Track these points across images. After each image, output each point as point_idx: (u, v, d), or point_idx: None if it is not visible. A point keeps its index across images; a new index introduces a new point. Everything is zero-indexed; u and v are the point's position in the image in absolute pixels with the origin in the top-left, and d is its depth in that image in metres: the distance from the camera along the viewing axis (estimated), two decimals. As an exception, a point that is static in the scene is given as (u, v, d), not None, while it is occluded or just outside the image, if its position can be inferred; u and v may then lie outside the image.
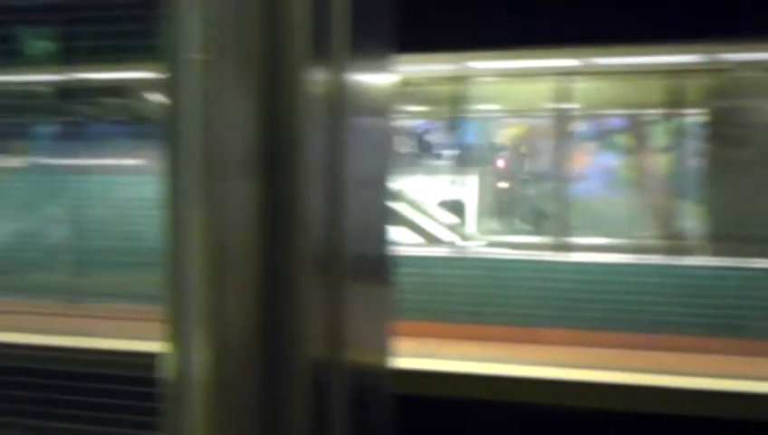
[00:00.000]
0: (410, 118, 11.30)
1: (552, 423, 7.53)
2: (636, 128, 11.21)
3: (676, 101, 9.76)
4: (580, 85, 10.04)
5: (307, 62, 1.56)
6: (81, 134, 10.67)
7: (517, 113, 11.54)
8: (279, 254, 1.55)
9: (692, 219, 10.24)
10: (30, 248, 10.28)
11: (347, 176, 1.67)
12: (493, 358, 8.20)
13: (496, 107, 11.46)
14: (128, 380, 4.27)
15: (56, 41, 9.93)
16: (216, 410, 1.53)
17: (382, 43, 1.86)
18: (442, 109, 10.88)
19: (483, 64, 10.12)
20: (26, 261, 10.24)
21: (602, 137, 11.42)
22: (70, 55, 9.46)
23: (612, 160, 11.41)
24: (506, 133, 11.81)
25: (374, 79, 1.85)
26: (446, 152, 11.29)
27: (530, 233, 10.88)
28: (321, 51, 1.60)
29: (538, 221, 11.01)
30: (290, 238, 1.56)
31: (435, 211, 10.92)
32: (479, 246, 10.37)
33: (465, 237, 10.49)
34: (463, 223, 10.71)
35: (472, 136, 11.33)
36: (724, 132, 9.98)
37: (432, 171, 11.45)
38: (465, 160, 11.03)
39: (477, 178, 11.22)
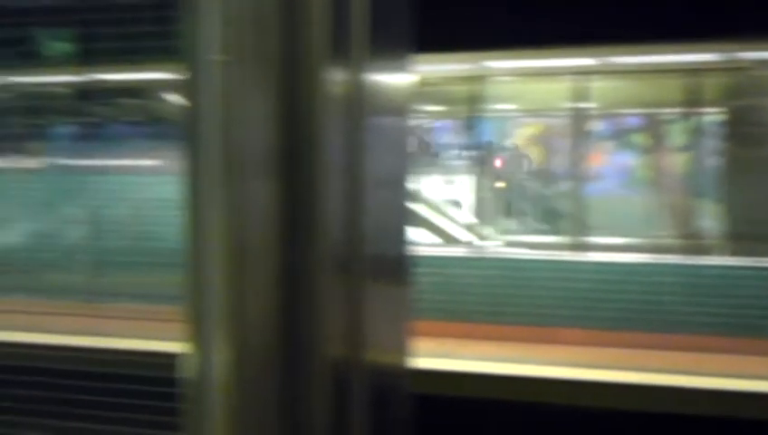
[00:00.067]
0: (427, 118, 11.29)
1: (569, 423, 7.51)
2: (653, 127, 11.17)
3: (693, 100, 9.72)
4: (598, 84, 10.01)
5: (326, 63, 1.57)
6: (99, 135, 10.71)
7: (534, 113, 11.52)
8: (298, 254, 1.56)
9: (710, 219, 10.19)
10: (50, 249, 10.32)
11: (366, 176, 1.68)
12: (511, 358, 8.20)
13: (512, 106, 11.45)
14: (148, 380, 4.28)
15: (75, 42, 9.97)
16: (237, 410, 1.53)
17: (400, 43, 1.86)
18: (458, 108, 10.87)
19: (499, 64, 10.10)
20: (46, 261, 10.29)
21: (619, 136, 11.39)
22: (88, 56, 9.50)
23: (630, 160, 11.37)
24: (523, 133, 11.79)
25: (392, 79, 1.85)
26: (463, 152, 11.27)
27: (547, 233, 10.86)
28: (340, 51, 1.60)
29: (555, 221, 10.99)
30: (309, 238, 1.56)
31: (451, 211, 10.91)
32: (496, 245, 10.35)
33: (482, 237, 10.47)
34: (480, 223, 10.69)
35: (488, 136, 11.32)
36: (743, 131, 9.93)
37: (449, 171, 11.44)
38: (482, 160, 11.01)
39: (494, 177, 11.20)
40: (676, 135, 10.75)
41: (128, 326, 8.33)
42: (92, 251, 9.95)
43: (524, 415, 7.53)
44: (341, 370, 1.65)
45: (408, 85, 1.94)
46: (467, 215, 10.84)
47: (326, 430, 1.60)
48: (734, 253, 9.38)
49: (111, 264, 9.82)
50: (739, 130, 9.95)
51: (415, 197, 10.36)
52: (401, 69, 1.88)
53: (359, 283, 1.68)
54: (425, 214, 10.43)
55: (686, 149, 10.39)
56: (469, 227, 10.64)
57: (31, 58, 9.86)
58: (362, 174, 1.66)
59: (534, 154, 11.74)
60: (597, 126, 10.82)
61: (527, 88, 10.61)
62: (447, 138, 11.72)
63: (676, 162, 10.69)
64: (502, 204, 11.19)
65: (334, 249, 1.61)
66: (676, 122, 10.71)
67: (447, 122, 11.80)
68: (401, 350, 1.93)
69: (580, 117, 10.10)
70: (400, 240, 1.94)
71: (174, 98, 10.09)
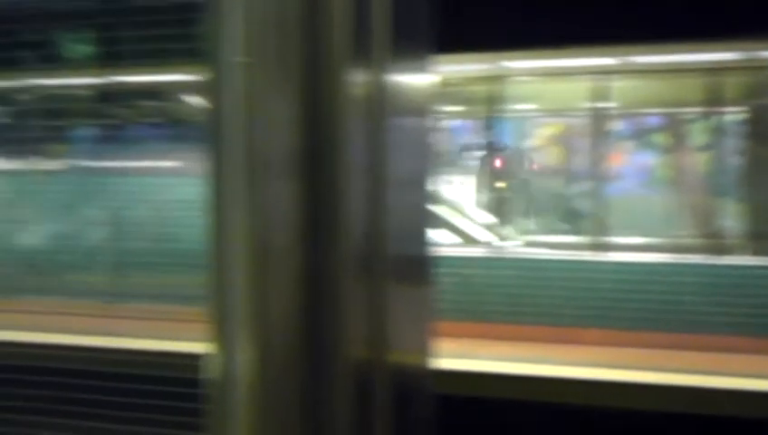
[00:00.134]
0: (447, 118, 11.28)
1: (590, 424, 7.49)
2: (674, 126, 11.13)
3: (714, 99, 9.68)
4: (618, 84, 9.99)
5: (348, 63, 1.57)
6: (123, 137, 10.78)
7: (553, 113, 11.50)
8: (321, 254, 1.56)
9: (731, 218, 10.15)
10: (75, 251, 10.38)
11: (388, 176, 1.68)
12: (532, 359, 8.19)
13: (532, 106, 11.43)
14: (171, 380, 4.30)
15: (98, 45, 10.04)
16: (260, 411, 1.54)
17: (422, 44, 1.86)
18: (477, 109, 10.86)
19: (518, 64, 10.09)
20: (72, 263, 10.36)
21: (640, 136, 11.36)
22: (111, 59, 9.55)
23: (650, 159, 11.34)
24: (542, 133, 11.77)
25: (414, 79, 1.85)
26: (482, 152, 11.27)
27: (567, 232, 10.84)
28: (362, 52, 1.61)
29: (575, 221, 10.96)
30: (331, 239, 1.57)
31: (471, 211, 10.90)
32: (516, 245, 10.33)
33: (501, 237, 10.46)
34: (500, 223, 10.67)
35: (508, 136, 11.31)
36: (764, 130, 9.89)
37: (467, 171, 11.43)
38: (500, 160, 11.01)
39: (513, 177, 11.19)
40: (697, 134, 10.71)
41: (151, 327, 8.36)
42: (116, 252, 10.00)
43: (545, 415, 7.52)
44: (364, 370, 1.65)
45: (429, 86, 1.94)
46: (487, 215, 10.83)
47: (349, 431, 1.60)
48: (756, 252, 9.34)
49: (134, 265, 9.88)
50: (760, 129, 9.90)
51: (434, 197, 10.35)
52: (422, 69, 1.88)
53: (381, 283, 1.68)
54: (444, 214, 10.42)
55: (706, 148, 10.35)
56: (488, 227, 10.63)
57: (55, 61, 9.93)
58: (384, 175, 1.67)
59: (554, 154, 11.71)
60: (617, 126, 10.79)
61: (547, 88, 10.59)
62: (467, 138, 11.70)
63: (697, 162, 10.65)
64: (521, 203, 11.17)
65: (357, 250, 1.62)
66: (697, 122, 10.67)
67: (467, 123, 11.78)
68: (424, 350, 1.93)
69: (600, 117, 10.08)
70: (422, 241, 1.94)
71: (195, 100, 10.14)
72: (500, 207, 10.81)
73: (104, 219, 10.15)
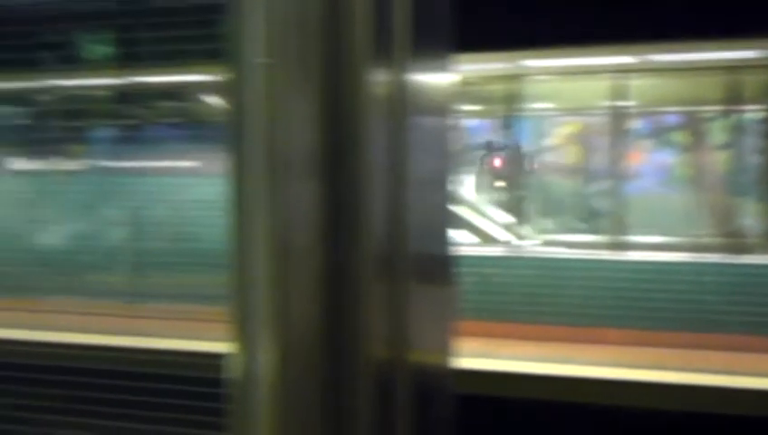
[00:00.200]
0: (465, 117, 11.27)
1: (611, 423, 7.47)
2: (693, 125, 11.08)
3: (733, 98, 9.64)
4: (636, 82, 9.95)
5: (369, 63, 1.57)
6: (143, 137, 10.83)
7: (572, 111, 11.47)
8: (342, 254, 1.56)
9: (751, 217, 10.10)
10: (99, 251, 10.44)
11: (408, 176, 1.68)
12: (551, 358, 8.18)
13: (551, 105, 11.41)
14: (193, 380, 4.32)
15: (120, 46, 10.09)
16: (282, 410, 1.54)
17: (442, 42, 1.86)
18: (496, 108, 10.85)
19: (536, 63, 10.07)
20: (95, 263, 10.42)
21: (659, 134, 11.32)
22: (133, 59, 9.59)
23: (669, 158, 11.30)
24: (561, 132, 11.74)
25: (435, 78, 1.85)
26: (501, 151, 11.26)
27: (585, 231, 10.81)
28: (383, 51, 1.61)
29: (594, 219, 10.93)
30: (353, 239, 1.57)
31: (489, 210, 10.88)
32: (535, 245, 10.32)
33: (520, 236, 10.44)
34: (518, 222, 10.65)
35: (526, 135, 11.29)
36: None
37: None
38: (518, 159, 10.99)
39: (531, 176, 11.17)
40: (717, 133, 10.66)
41: (172, 327, 8.39)
42: (137, 252, 10.05)
43: (566, 415, 7.51)
44: (385, 370, 1.65)
45: (449, 85, 1.94)
46: (505, 214, 10.81)
47: (370, 431, 1.60)
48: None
49: (155, 265, 9.92)
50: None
51: (453, 196, 10.34)
52: (443, 68, 1.88)
53: (402, 283, 1.68)
54: (462, 213, 10.41)
55: (726, 146, 10.30)
56: (507, 227, 10.61)
57: (77, 62, 9.99)
58: (405, 174, 1.67)
59: (572, 153, 11.69)
60: (636, 124, 10.75)
61: (565, 87, 10.56)
62: (485, 137, 11.68)
63: (717, 160, 10.60)
64: (539, 202, 11.15)
65: (378, 250, 1.62)
66: (717, 120, 10.63)
67: (485, 122, 11.77)
68: (445, 350, 1.93)
69: (618, 115, 10.05)
70: (443, 240, 1.94)
71: (216, 100, 10.17)
72: (518, 206, 10.79)
73: (125, 219, 10.19)
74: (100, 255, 10.40)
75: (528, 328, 9.16)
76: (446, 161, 1.97)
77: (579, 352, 8.48)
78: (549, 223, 11.09)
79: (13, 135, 11.17)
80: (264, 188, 1.51)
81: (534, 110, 10.94)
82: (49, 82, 10.56)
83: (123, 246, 10.19)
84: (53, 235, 10.58)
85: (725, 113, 10.15)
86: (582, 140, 11.52)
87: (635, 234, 9.89)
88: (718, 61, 9.45)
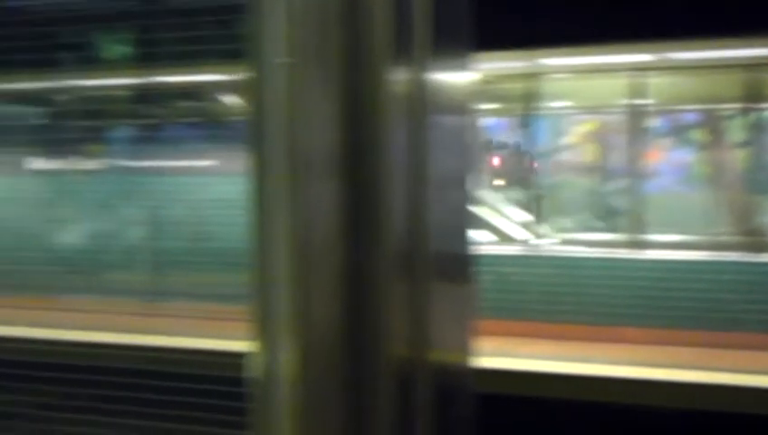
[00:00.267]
0: (483, 115, 11.26)
1: (629, 422, 7.46)
2: (711, 123, 11.04)
3: (753, 96, 9.59)
4: (654, 80, 9.92)
5: (389, 62, 1.57)
6: (165, 137, 10.88)
7: (590, 110, 11.44)
8: (362, 253, 1.56)
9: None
10: (121, 250, 10.49)
11: (429, 175, 1.68)
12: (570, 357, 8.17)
13: (568, 103, 11.38)
14: (215, 379, 4.33)
15: (140, 46, 10.14)
16: (303, 409, 1.54)
17: (462, 41, 1.86)
18: (513, 106, 10.84)
19: (554, 61, 10.05)
20: (117, 262, 10.48)
21: (677, 132, 11.28)
22: (153, 60, 9.62)
23: (688, 156, 11.26)
24: (579, 130, 11.72)
25: (454, 77, 1.85)
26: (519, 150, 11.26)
27: (604, 230, 10.79)
28: (403, 50, 1.61)
29: (612, 218, 10.91)
30: (373, 238, 1.57)
31: (507, 209, 10.87)
32: (553, 243, 10.30)
33: (538, 235, 10.42)
34: (536, 221, 10.63)
35: (544, 133, 11.27)
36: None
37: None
38: (537, 157, 10.98)
39: (549, 174, 11.16)
40: (735, 131, 10.62)
41: (193, 326, 8.42)
42: (159, 252, 10.09)
43: (585, 414, 7.49)
44: (405, 369, 1.65)
45: (469, 83, 1.94)
46: (523, 213, 10.80)
47: (390, 430, 1.61)
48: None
49: (177, 264, 9.96)
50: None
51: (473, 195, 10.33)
52: (463, 67, 1.88)
53: (422, 282, 1.68)
54: (480, 212, 10.41)
55: (745, 145, 10.26)
56: (525, 225, 10.60)
57: (99, 62, 10.05)
58: (425, 173, 1.67)
59: (590, 151, 11.66)
60: (654, 122, 10.72)
61: (583, 85, 10.54)
62: (503, 136, 11.68)
63: (735, 158, 10.55)
64: (557, 201, 11.14)
65: (398, 249, 1.62)
66: (735, 118, 10.58)
67: (503, 120, 11.76)
68: (465, 349, 1.93)
69: (636, 113, 10.02)
70: (463, 239, 1.94)
71: (234, 99, 10.20)
72: (536, 205, 10.78)
73: (145, 219, 10.24)
74: (122, 254, 10.45)
75: (547, 327, 9.15)
76: (466, 160, 1.97)
77: (598, 350, 8.46)
78: (567, 221, 11.06)
79: (33, 135, 11.22)
80: (284, 187, 1.51)
81: (552, 108, 10.91)
82: (70, 82, 10.61)
83: (144, 246, 10.23)
84: (73, 234, 10.63)
85: (744, 111, 10.10)
86: (600, 138, 11.49)
87: (653, 232, 9.86)
88: (737, 58, 9.41)
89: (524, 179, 11.19)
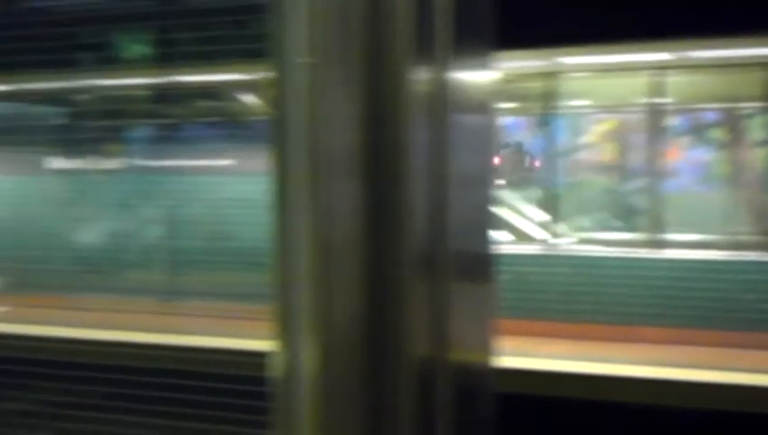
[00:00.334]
0: (501, 114, 11.24)
1: (649, 422, 7.43)
2: (731, 122, 10.99)
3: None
4: (673, 79, 9.88)
5: (410, 61, 1.57)
6: (180, 136, 10.92)
7: (609, 109, 11.42)
8: (384, 253, 1.56)
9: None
10: (144, 250, 10.54)
11: (450, 174, 1.68)
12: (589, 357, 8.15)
13: (587, 102, 11.36)
14: (237, 378, 4.34)
15: (164, 46, 10.18)
16: (324, 408, 1.54)
17: (483, 40, 1.86)
18: (532, 105, 10.81)
19: (572, 60, 10.02)
20: (140, 262, 10.53)
21: (697, 131, 11.23)
22: (175, 59, 9.66)
23: (707, 155, 11.21)
24: (598, 129, 11.69)
25: (476, 76, 1.85)
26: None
27: (622, 229, 10.76)
28: (424, 49, 1.61)
29: (630, 217, 10.88)
30: (394, 237, 1.57)
31: (525, 208, 10.85)
32: (571, 243, 10.28)
33: (556, 235, 10.40)
34: (554, 220, 10.61)
35: (562, 132, 11.24)
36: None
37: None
38: (555, 157, 10.95)
39: (568, 174, 11.13)
40: (755, 130, 10.57)
41: (216, 325, 8.44)
42: (181, 251, 10.13)
43: (600, 413, 7.48)
44: (426, 368, 1.65)
45: (491, 83, 1.94)
46: (541, 212, 10.78)
47: (411, 428, 1.61)
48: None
49: (199, 263, 10.00)
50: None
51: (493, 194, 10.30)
52: (484, 66, 1.87)
53: (443, 282, 1.68)
54: (498, 212, 10.39)
55: (765, 143, 10.22)
56: (543, 225, 10.57)
57: (123, 62, 10.10)
58: (447, 172, 1.67)
59: (609, 150, 11.63)
60: (673, 121, 10.68)
61: (602, 84, 10.51)
62: (521, 135, 11.67)
63: (755, 157, 10.50)
64: (575, 200, 11.11)
65: (419, 248, 1.62)
66: (755, 117, 10.53)
67: (521, 120, 11.75)
68: (485, 348, 1.93)
69: (656, 112, 9.99)
70: (484, 238, 1.94)
71: (253, 99, 10.22)
72: (554, 204, 10.75)
73: (168, 218, 10.28)
74: (147, 253, 10.51)
75: (565, 326, 9.13)
76: (487, 159, 1.97)
77: (617, 350, 8.43)
78: (585, 221, 11.04)
79: (53, 134, 11.28)
80: (306, 186, 1.52)
81: (571, 107, 10.89)
82: (90, 82, 10.66)
83: (164, 245, 10.27)
84: (92, 233, 10.68)
85: (764, 109, 10.06)
86: (619, 137, 11.46)
87: (672, 232, 9.83)
88: (757, 57, 9.36)
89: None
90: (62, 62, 8.24)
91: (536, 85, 10.32)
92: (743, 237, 9.76)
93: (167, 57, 9.96)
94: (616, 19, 8.27)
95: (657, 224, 9.83)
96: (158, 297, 9.86)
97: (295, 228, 1.53)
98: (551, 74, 10.18)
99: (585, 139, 11.71)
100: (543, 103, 10.43)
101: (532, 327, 9.01)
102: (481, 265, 1.92)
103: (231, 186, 9.50)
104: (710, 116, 11.35)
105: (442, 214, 1.67)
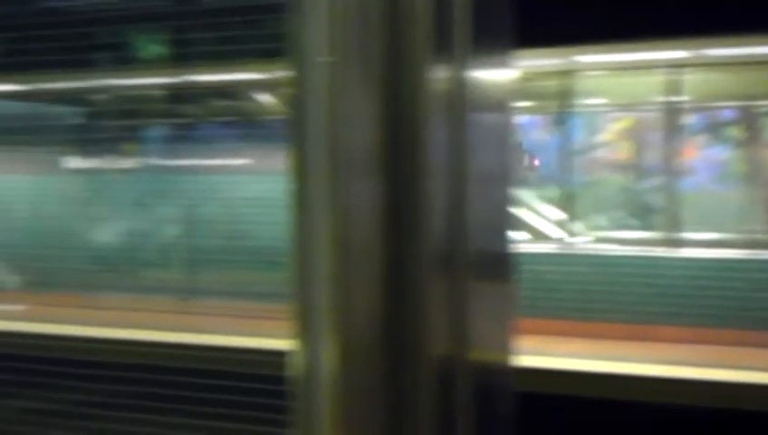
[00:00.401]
0: (518, 113, 11.22)
1: (667, 422, 7.41)
2: (748, 120, 10.95)
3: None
4: (690, 77, 9.85)
5: (429, 60, 1.57)
6: (197, 136, 10.95)
7: (625, 107, 11.39)
8: (403, 251, 1.56)
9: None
10: (164, 249, 10.58)
11: (469, 173, 1.67)
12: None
13: (603, 101, 11.33)
14: (256, 377, 4.35)
15: (183, 46, 10.21)
16: (343, 407, 1.54)
17: (502, 39, 1.85)
18: (548, 104, 10.79)
19: (589, 58, 10.00)
20: (159, 261, 10.56)
21: (714, 129, 11.20)
22: (194, 59, 9.69)
23: (723, 154, 11.17)
24: (614, 127, 11.66)
25: (495, 75, 1.84)
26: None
27: (639, 228, 10.73)
28: (443, 48, 1.60)
29: (647, 216, 10.85)
30: (413, 236, 1.57)
31: (540, 207, 10.83)
32: (587, 242, 10.25)
33: (572, 234, 10.37)
34: (570, 218, 10.58)
35: (579, 130, 11.21)
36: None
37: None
38: (571, 155, 10.93)
39: (584, 172, 11.11)
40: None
41: (234, 324, 8.46)
42: (199, 250, 10.17)
43: (619, 413, 7.46)
44: (446, 367, 1.65)
45: (509, 81, 1.94)
46: (557, 211, 10.75)
47: (431, 427, 1.61)
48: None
49: (218, 262, 10.03)
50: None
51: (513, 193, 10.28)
52: (503, 65, 1.87)
53: (463, 280, 1.68)
54: (514, 211, 10.36)
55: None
56: (559, 224, 10.55)
57: (137, 62, 10.14)
58: (466, 171, 1.66)
59: (625, 148, 11.60)
60: (690, 119, 10.65)
61: (619, 82, 10.49)
62: (536, 134, 11.65)
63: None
64: (592, 199, 11.09)
65: (438, 247, 1.62)
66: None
67: (537, 118, 11.72)
68: (505, 347, 1.92)
69: (672, 111, 9.95)
70: (503, 237, 1.94)
71: (270, 98, 10.24)
72: (570, 203, 10.73)
73: (183, 217, 10.32)
74: (167, 252, 10.54)
75: (582, 325, 9.12)
76: (507, 158, 1.97)
77: (634, 349, 8.41)
78: (601, 219, 11.01)
79: (70, 134, 11.33)
80: (325, 185, 1.52)
81: (587, 105, 10.86)
82: (106, 81, 10.70)
83: (184, 244, 10.31)
84: (108, 232, 10.72)
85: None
86: (636, 135, 11.43)
87: (688, 230, 9.80)
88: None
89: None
90: (79, 61, 8.26)
91: (552, 84, 10.30)
92: (760, 236, 9.72)
93: (183, 57, 9.99)
94: (632, 17, 8.25)
95: (674, 222, 9.80)
96: (176, 296, 9.89)
97: (314, 227, 1.53)
98: (567, 73, 10.16)
99: (601, 137, 11.69)
100: (560, 102, 10.41)
101: (549, 326, 8.99)
102: (500, 263, 1.92)
103: (248, 185, 9.52)
104: (727, 114, 11.31)
105: (461, 213, 1.66)
